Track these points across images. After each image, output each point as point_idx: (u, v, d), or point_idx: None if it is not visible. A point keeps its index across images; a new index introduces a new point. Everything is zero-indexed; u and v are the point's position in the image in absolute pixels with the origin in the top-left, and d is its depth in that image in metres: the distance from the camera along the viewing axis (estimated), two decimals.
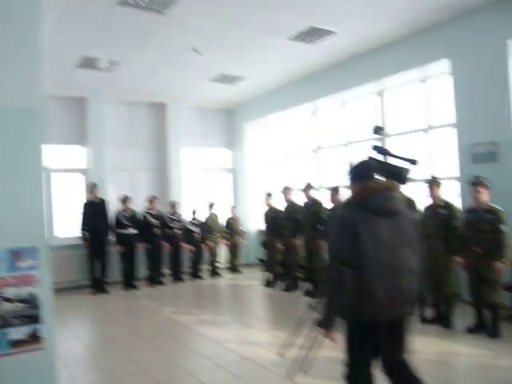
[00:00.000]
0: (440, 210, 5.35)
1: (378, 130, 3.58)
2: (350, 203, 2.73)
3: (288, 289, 7.63)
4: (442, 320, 5.35)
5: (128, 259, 8.43)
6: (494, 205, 4.91)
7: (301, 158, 9.84)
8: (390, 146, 7.88)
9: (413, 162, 3.11)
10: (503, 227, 4.79)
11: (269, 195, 8.25)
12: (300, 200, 7.58)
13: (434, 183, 5.40)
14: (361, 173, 2.79)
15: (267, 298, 7.53)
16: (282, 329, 5.25)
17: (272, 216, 8.03)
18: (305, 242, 7.31)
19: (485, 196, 4.92)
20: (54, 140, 8.77)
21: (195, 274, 9.21)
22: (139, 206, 8.95)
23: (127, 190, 9.28)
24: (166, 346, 5.03)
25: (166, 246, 8.80)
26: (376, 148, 3.17)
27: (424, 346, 4.64)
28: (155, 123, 10.09)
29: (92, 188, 8.33)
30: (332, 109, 9.04)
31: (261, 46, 7.01)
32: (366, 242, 2.52)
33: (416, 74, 7.12)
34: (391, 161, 3.09)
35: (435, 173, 6.58)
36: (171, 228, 8.86)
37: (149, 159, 10.01)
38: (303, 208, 7.35)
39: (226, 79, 8.67)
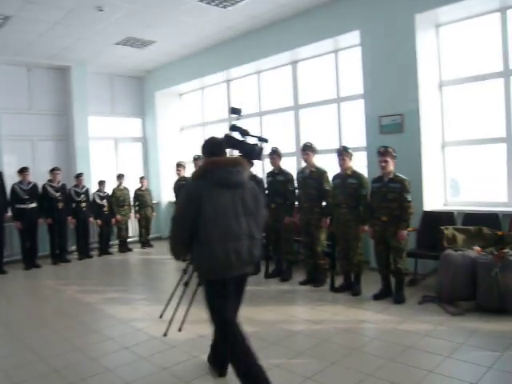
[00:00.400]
0: (349, 180, 5.33)
1: (234, 111, 3.77)
2: (195, 176, 2.98)
3: None
4: (351, 288, 5.41)
5: (28, 236, 7.69)
6: (399, 174, 4.97)
7: (216, 127, 9.52)
8: (304, 118, 7.83)
9: (265, 140, 3.55)
10: (408, 196, 4.86)
11: (179, 165, 7.84)
12: None
13: (344, 153, 5.35)
14: (208, 148, 3.04)
15: (178, 273, 7.23)
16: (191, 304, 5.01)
17: (182, 185, 7.67)
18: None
19: (391, 166, 4.95)
20: None
21: (104, 250, 8.66)
22: (42, 178, 8.16)
23: (27, 161, 8.45)
24: (68, 329, 4.60)
25: (71, 221, 8.16)
26: (234, 127, 3.47)
27: (333, 315, 4.65)
28: (59, 88, 9.21)
29: None
30: (247, 78, 8.77)
31: (170, 7, 6.51)
32: (208, 210, 2.76)
33: (329, 45, 7.02)
34: (249, 139, 3.49)
35: (346, 143, 6.61)
36: (77, 202, 8.21)
37: (52, 127, 9.14)
38: None
39: (135, 43, 8.04)
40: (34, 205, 7.67)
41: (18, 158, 8.52)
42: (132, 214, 9.07)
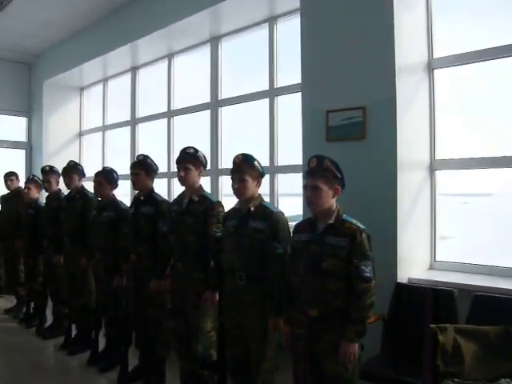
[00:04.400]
0: (252, 223, 2.53)
1: None
2: None
3: (46, 333, 4.45)
4: None
5: None
6: (348, 218, 2.20)
7: (118, 133, 6.68)
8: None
9: None
10: (365, 267, 2.08)
11: (31, 180, 4.86)
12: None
13: (244, 166, 2.56)
14: None
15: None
16: None
17: (32, 214, 4.73)
18: (64, 259, 4.19)
19: (328, 198, 2.18)
20: None
21: None
22: None
23: None
24: None
25: None
26: None
27: None
28: None
29: None
30: (157, 65, 6.00)
31: None
32: None
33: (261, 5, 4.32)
34: None
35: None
36: None
37: None
38: (65, 203, 4.21)
39: None
40: None
41: None
42: None
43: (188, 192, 3.01)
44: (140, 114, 6.20)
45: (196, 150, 3.01)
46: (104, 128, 6.86)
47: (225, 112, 5.08)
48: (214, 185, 5.01)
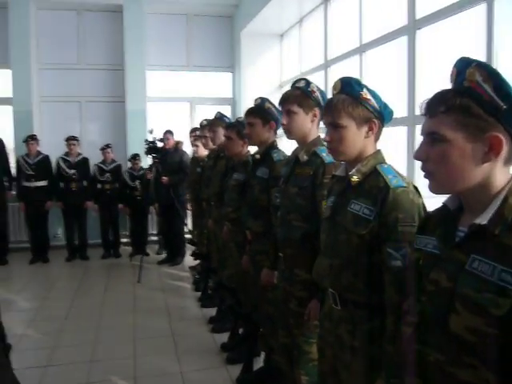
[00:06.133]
0: (354, 204, 1.39)
1: None
2: None
3: (205, 301, 4.16)
4: None
5: (36, 221, 5.73)
6: None
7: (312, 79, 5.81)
8: None
9: None
10: None
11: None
12: None
13: (344, 102, 1.41)
14: None
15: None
16: None
17: (199, 173, 4.35)
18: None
19: (465, 164, 0.89)
20: None
21: (138, 249, 5.91)
22: (90, 150, 6.16)
23: (74, 128, 6.52)
24: None
25: (91, 207, 5.88)
26: None
27: None
28: (109, 36, 6.69)
29: None
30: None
31: None
32: None
33: None
34: None
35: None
36: (102, 182, 5.85)
37: (100, 86, 6.73)
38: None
39: None
40: (42, 183, 5.64)
41: (60, 124, 6.55)
42: None
43: (298, 148, 2.01)
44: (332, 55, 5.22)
45: (308, 83, 1.96)
46: (301, 76, 6.15)
47: (425, 35, 3.65)
48: (410, 141, 3.69)
